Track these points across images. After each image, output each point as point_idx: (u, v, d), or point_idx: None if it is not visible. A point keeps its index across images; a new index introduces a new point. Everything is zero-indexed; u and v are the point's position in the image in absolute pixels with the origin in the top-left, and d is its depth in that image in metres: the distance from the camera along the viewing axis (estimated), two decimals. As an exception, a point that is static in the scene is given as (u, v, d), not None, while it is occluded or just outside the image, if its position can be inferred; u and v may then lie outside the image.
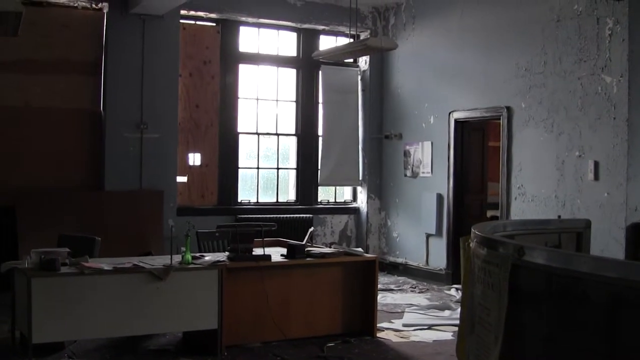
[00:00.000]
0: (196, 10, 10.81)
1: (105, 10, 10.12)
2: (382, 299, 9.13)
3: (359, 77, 12.35)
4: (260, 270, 6.92)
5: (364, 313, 7.47)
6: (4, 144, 9.64)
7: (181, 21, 10.66)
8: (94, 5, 10.13)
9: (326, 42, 12.06)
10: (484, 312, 3.22)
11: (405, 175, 11.71)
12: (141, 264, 6.37)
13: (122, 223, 9.67)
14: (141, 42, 10.14)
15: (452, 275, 10.70)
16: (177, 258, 6.56)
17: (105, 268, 6.17)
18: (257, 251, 7.09)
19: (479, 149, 10.99)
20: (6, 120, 9.68)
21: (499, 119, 9.91)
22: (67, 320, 5.93)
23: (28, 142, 9.78)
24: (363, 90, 12.33)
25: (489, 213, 11.21)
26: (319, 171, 11.89)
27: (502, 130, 9.84)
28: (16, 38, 8.35)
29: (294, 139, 12.06)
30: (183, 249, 6.56)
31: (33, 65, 9.88)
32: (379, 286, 8.02)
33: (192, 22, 11.06)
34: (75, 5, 10.09)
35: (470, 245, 3.58)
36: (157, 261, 6.58)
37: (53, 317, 5.86)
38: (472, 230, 3.61)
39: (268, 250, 7.20)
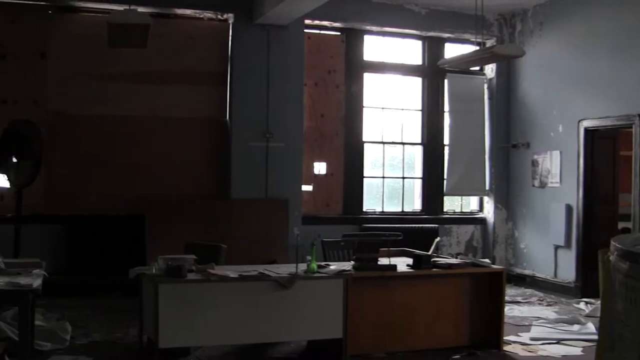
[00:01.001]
0: (321, 20, 10.82)
1: (230, 21, 10.27)
2: (509, 311, 8.87)
3: (485, 85, 12.10)
4: (386, 280, 6.83)
5: (490, 325, 7.25)
6: (134, 153, 9.91)
7: (306, 31, 10.68)
8: (219, 17, 10.29)
9: (451, 50, 11.87)
10: (625, 328, 3.03)
11: (533, 185, 11.38)
12: (266, 272, 6.37)
13: (248, 231, 9.76)
14: (266, 52, 10.23)
15: (581, 288, 10.31)
16: (302, 267, 6.52)
17: (231, 275, 6.20)
18: (383, 261, 6.98)
19: (609, 158, 10.56)
20: (136, 130, 9.96)
21: (631, 127, 9.50)
22: (193, 326, 5.99)
23: (157, 151, 10.01)
24: (490, 98, 12.07)
25: (620, 225, 10.75)
26: (444, 180, 11.70)
27: (634, 139, 9.41)
28: (144, 50, 8.55)
29: (419, 148, 11.92)
30: (308, 257, 6.53)
31: (161, 76, 10.12)
32: (506, 298, 7.80)
33: (317, 31, 11.08)
34: (201, 16, 10.27)
35: (610, 258, 3.38)
36: (283, 269, 6.58)
37: (179, 322, 5.93)
38: (612, 242, 3.41)
39: (393, 260, 7.09)
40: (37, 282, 5.56)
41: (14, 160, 8.69)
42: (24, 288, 5.39)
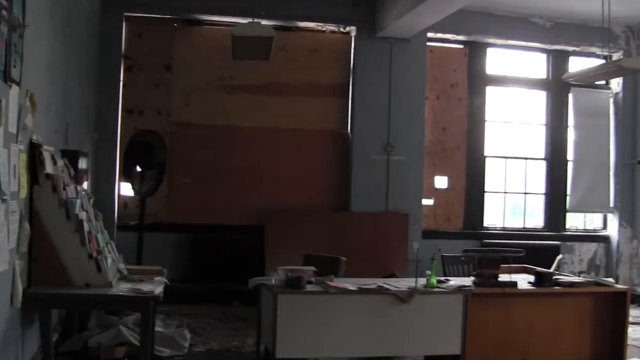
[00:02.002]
0: (443, 33, 10.68)
1: (352, 34, 10.25)
2: (632, 333, 8.47)
3: (611, 100, 11.67)
4: (506, 297, 6.63)
5: (612, 346, 6.96)
6: (255, 165, 10.00)
7: (428, 44, 10.55)
8: (341, 29, 10.30)
9: (576, 64, 11.49)
10: None
11: (661, 203, 10.92)
12: (386, 286, 6.30)
13: (367, 244, 9.69)
14: (388, 65, 10.15)
15: None
16: (421, 281, 6.42)
17: (350, 288, 6.13)
18: (503, 277, 6.81)
19: None
20: (257, 142, 10.05)
21: None
22: (311, 337, 5.96)
23: (278, 162, 10.08)
24: (615, 113, 11.64)
25: None
26: (568, 197, 11.34)
27: None
28: (267, 62, 8.63)
29: (542, 163, 11.59)
30: (428, 272, 6.43)
31: (283, 87, 10.19)
32: (629, 319, 7.45)
33: (439, 44, 10.94)
34: (324, 29, 10.30)
35: None
36: (402, 283, 6.49)
37: (297, 333, 5.90)
38: None
39: (514, 277, 6.91)
40: (158, 289, 5.63)
41: (139, 169, 8.90)
42: (145, 295, 5.46)
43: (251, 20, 7.82)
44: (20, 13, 4.88)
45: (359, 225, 9.88)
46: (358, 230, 9.83)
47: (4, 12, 4.46)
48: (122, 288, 5.57)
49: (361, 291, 6.12)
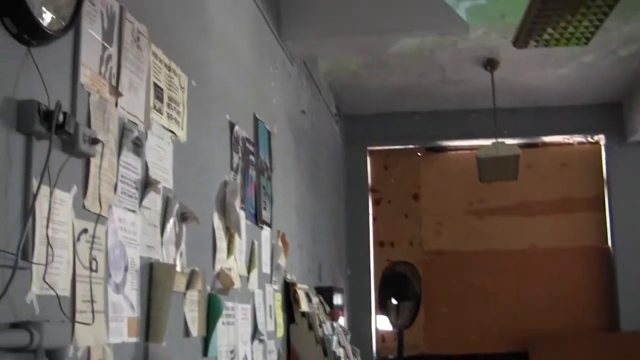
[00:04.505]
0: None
1: (602, 142, 9.81)
2: None
3: None
4: None
5: None
6: (512, 288, 9.63)
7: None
8: (589, 139, 9.90)
9: None
10: None
11: None
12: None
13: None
14: (644, 171, 9.58)
15: None
16: None
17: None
18: None
19: None
20: (513, 264, 9.73)
21: None
22: None
23: (536, 283, 9.65)
24: None
25: None
26: None
27: None
28: (515, 182, 8.45)
29: None
30: None
31: (534, 206, 9.86)
32: None
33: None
34: (571, 141, 9.95)
35: None
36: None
37: None
38: None
39: None
40: None
41: (394, 301, 8.86)
42: None
43: (495, 140, 7.73)
44: (267, 157, 5.07)
45: (633, 346, 9.14)
46: (633, 353, 9.08)
47: (252, 157, 4.64)
48: None
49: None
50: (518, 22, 3.87)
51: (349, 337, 6.47)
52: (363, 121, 9.65)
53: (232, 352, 3.89)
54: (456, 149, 10.06)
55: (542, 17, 3.62)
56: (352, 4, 5.90)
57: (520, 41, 4.13)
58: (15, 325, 1.91)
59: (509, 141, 8.28)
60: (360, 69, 7.98)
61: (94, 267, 2.37)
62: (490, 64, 7.73)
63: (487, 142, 8.01)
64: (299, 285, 5.54)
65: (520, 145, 8.63)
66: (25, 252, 1.97)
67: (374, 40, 6.21)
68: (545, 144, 9.98)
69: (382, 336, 9.68)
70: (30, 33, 2.01)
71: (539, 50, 6.30)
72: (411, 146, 9.97)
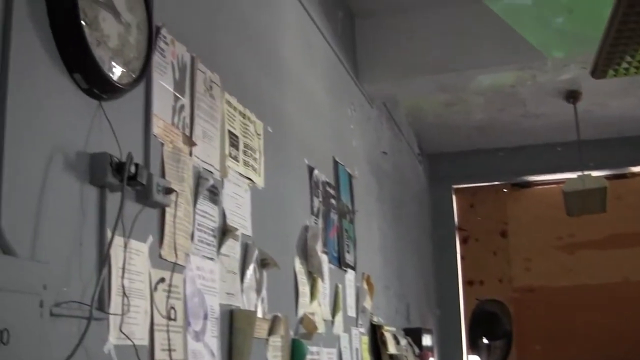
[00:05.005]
0: None
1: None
2: None
3: None
4: None
5: None
6: (606, 323, 9.34)
7: None
8: (679, 166, 9.64)
9: None
10: None
11: None
12: None
13: None
14: None
15: None
16: None
17: None
18: None
19: None
20: (606, 298, 9.46)
21: None
22: None
23: (630, 318, 9.36)
24: None
25: None
26: None
27: None
28: (604, 214, 8.24)
29: None
30: None
31: (626, 238, 9.61)
32: None
33: None
34: (659, 172, 9.71)
35: None
36: None
37: None
38: None
39: None
40: None
41: (485, 340, 8.70)
42: None
43: (581, 173, 7.58)
44: (348, 199, 5.07)
45: None
46: None
47: (333, 200, 4.64)
48: None
49: None
50: (595, 52, 3.79)
51: (439, 379, 6.37)
52: (447, 159, 9.58)
53: (317, 396, 3.86)
54: (542, 183, 9.91)
55: (620, 45, 3.52)
56: (428, 44, 5.89)
57: (598, 71, 4.02)
58: (94, 376, 1.93)
59: (595, 173, 8.10)
60: (440, 107, 7.94)
61: (172, 316, 2.38)
62: (572, 96, 7.60)
63: (573, 175, 7.85)
64: (386, 327, 5.49)
65: (608, 177, 8.44)
66: (101, 302, 2.00)
67: (453, 78, 6.17)
68: (634, 174, 9.73)
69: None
70: (101, 87, 2.06)
71: (622, 78, 6.16)
72: (496, 182, 9.86)
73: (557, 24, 5.46)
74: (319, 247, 4.05)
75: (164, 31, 2.53)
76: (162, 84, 2.50)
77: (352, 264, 4.92)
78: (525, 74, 6.42)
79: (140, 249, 2.23)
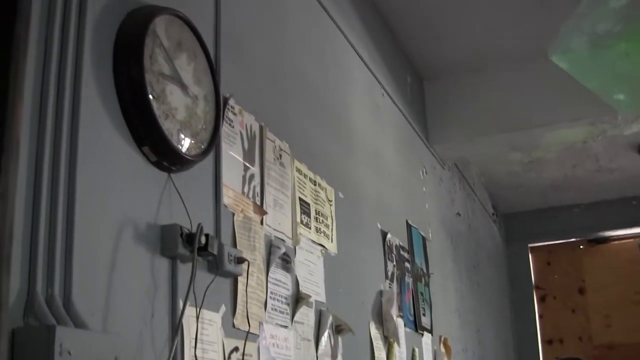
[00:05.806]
0: None
1: None
2: None
3: None
4: None
5: None
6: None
7: None
8: None
9: None
10: None
11: None
12: None
13: None
14: None
15: None
16: None
17: None
18: None
19: None
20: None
21: None
22: None
23: None
24: None
25: None
26: None
27: None
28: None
29: None
30: None
31: None
32: None
33: None
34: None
35: None
36: None
37: None
38: None
39: None
40: None
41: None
42: None
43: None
44: (423, 262, 5.01)
45: None
46: None
47: (407, 264, 4.60)
48: None
49: None
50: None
51: None
52: (521, 218, 9.46)
53: None
54: (618, 238, 9.67)
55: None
56: (497, 103, 5.86)
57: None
58: None
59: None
60: (513, 165, 7.86)
61: (247, 385, 2.36)
62: (644, 148, 7.48)
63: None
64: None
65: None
66: (175, 373, 2.00)
67: (524, 136, 6.10)
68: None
69: None
70: (170, 160, 2.09)
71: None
72: (572, 239, 9.68)
73: (619, 69, 5.38)
74: (394, 311, 4.00)
75: (231, 102, 2.56)
76: (232, 154, 2.52)
77: (428, 327, 4.85)
78: (596, 129, 6.33)
79: (212, 319, 2.23)
